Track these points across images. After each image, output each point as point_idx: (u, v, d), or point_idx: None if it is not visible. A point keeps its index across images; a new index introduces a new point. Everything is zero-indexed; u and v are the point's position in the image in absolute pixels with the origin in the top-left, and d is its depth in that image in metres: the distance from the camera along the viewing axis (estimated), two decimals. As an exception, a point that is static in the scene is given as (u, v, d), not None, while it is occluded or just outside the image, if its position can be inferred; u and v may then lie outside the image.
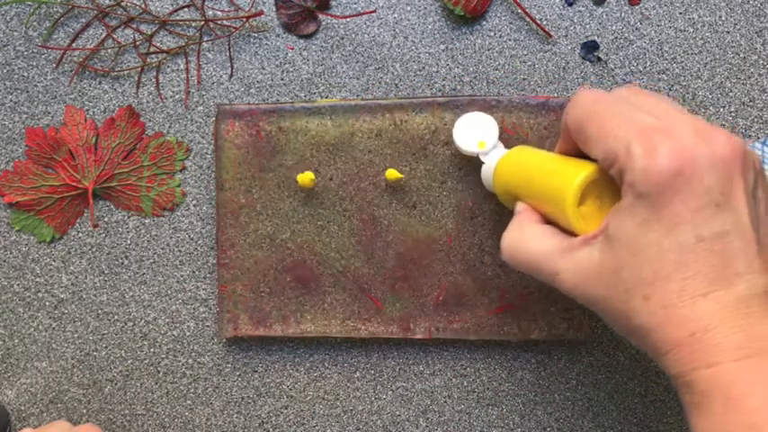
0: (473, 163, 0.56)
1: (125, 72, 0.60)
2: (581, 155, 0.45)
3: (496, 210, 0.56)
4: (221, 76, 0.59)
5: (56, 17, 0.60)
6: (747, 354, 0.37)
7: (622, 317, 0.40)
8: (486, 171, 0.53)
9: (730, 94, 0.58)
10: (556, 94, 0.58)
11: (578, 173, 0.43)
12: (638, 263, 0.39)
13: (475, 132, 0.54)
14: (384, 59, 0.59)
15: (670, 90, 0.58)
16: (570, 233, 0.44)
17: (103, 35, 0.59)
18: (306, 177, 0.56)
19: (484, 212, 0.57)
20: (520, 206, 0.48)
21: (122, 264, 0.60)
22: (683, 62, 0.58)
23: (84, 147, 0.59)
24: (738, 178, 0.39)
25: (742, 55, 0.58)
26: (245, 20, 0.59)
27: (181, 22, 0.59)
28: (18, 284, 0.60)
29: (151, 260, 0.59)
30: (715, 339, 0.37)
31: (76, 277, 0.60)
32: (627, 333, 0.41)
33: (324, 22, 0.59)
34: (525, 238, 0.45)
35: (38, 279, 0.60)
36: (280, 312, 0.58)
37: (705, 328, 0.38)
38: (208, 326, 0.59)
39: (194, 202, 0.59)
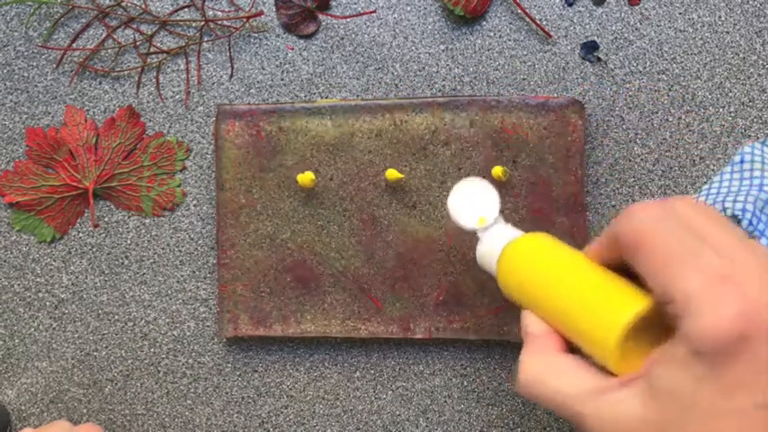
0: (472, 163, 0.56)
1: (125, 72, 0.60)
2: (620, 265, 0.40)
3: (496, 210, 0.57)
4: (221, 77, 0.59)
5: (56, 17, 0.60)
6: None
7: None
8: (487, 253, 0.46)
9: (730, 94, 0.58)
10: (556, 94, 0.58)
11: (625, 309, 0.37)
12: (688, 422, 0.36)
13: (473, 205, 0.47)
14: (384, 59, 0.59)
15: (670, 90, 0.58)
16: (600, 365, 0.39)
17: (104, 35, 0.60)
18: (306, 177, 0.56)
19: (484, 212, 0.57)
20: (537, 326, 0.42)
21: (123, 264, 0.60)
22: (682, 62, 0.58)
23: (84, 147, 0.59)
24: None
25: (742, 55, 0.58)
26: (245, 20, 0.59)
27: (181, 23, 0.59)
28: (18, 284, 0.60)
29: (151, 260, 0.59)
30: None
31: (77, 277, 0.60)
32: None
33: (324, 23, 0.59)
34: (549, 374, 0.40)
35: (38, 279, 0.60)
36: (280, 312, 0.58)
37: None
38: (208, 326, 0.59)
39: (194, 202, 0.59)
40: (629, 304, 0.37)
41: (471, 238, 0.57)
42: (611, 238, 0.40)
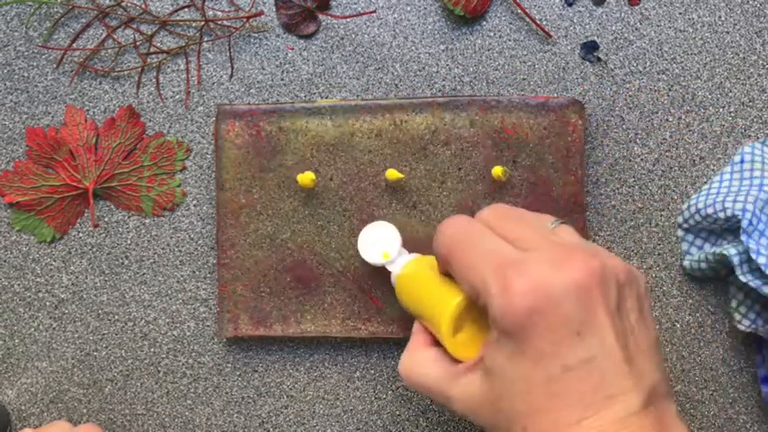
0: (472, 163, 0.56)
1: (125, 72, 0.60)
2: None
3: (496, 210, 0.57)
4: (221, 77, 0.59)
5: (56, 17, 0.60)
6: None
7: None
8: (393, 279, 0.54)
9: (730, 94, 0.58)
10: (556, 94, 0.58)
11: (449, 304, 0.44)
12: (512, 396, 0.40)
13: (378, 244, 0.54)
14: (384, 59, 0.59)
15: (670, 90, 0.58)
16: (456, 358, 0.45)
17: (104, 35, 0.60)
18: (306, 177, 0.56)
19: (484, 212, 0.57)
20: (415, 327, 0.49)
21: (122, 264, 0.60)
22: (682, 62, 0.58)
23: (84, 147, 0.59)
24: (598, 300, 0.39)
25: (742, 55, 0.58)
26: (245, 20, 0.59)
27: (181, 23, 0.59)
28: (18, 284, 0.60)
29: (151, 260, 0.59)
30: None
31: (77, 277, 0.60)
32: None
33: (324, 23, 0.59)
34: (417, 363, 0.47)
35: (38, 279, 0.60)
36: (280, 312, 0.58)
37: None
38: (208, 326, 0.59)
39: (194, 202, 0.59)
40: (450, 300, 0.44)
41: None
42: (435, 253, 0.46)
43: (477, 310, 0.44)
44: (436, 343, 0.47)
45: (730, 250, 0.54)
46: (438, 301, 0.46)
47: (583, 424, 0.38)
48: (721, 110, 0.58)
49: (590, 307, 0.39)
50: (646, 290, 0.43)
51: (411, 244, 0.57)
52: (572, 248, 0.41)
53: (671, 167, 0.58)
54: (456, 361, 0.45)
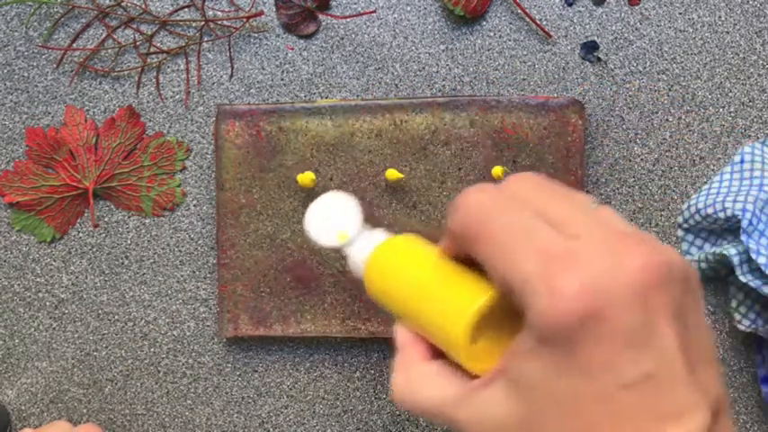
0: (472, 163, 0.56)
1: (125, 72, 0.60)
2: (472, 260, 0.36)
3: (496, 210, 0.56)
4: (221, 77, 0.59)
5: (56, 17, 0.60)
6: None
7: None
8: (354, 266, 0.43)
9: (730, 94, 0.58)
10: (556, 94, 0.58)
11: (469, 303, 0.35)
12: (555, 416, 0.33)
13: (331, 220, 0.43)
14: (384, 59, 0.59)
15: (670, 90, 0.58)
16: (464, 369, 0.37)
17: (104, 35, 0.60)
18: (306, 177, 0.56)
19: (484, 212, 0.57)
20: (403, 336, 0.40)
21: (122, 264, 0.60)
22: (683, 62, 0.58)
23: (84, 147, 0.59)
24: (661, 304, 0.33)
25: (742, 55, 0.58)
26: (245, 20, 0.59)
27: (181, 23, 0.59)
28: (18, 284, 0.60)
29: (151, 260, 0.59)
30: None
31: (77, 277, 0.60)
32: None
33: (324, 23, 0.59)
34: (414, 384, 0.38)
35: (38, 279, 0.60)
36: (280, 312, 0.58)
37: None
38: (208, 326, 0.59)
39: (194, 202, 0.59)
40: (470, 298, 0.35)
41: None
42: (449, 232, 0.37)
43: (499, 311, 0.35)
44: (435, 353, 0.39)
45: (730, 250, 0.54)
46: (446, 300, 0.36)
47: None
48: (721, 110, 0.58)
49: (652, 312, 0.33)
50: (701, 293, 0.36)
51: (411, 244, 0.56)
52: (629, 236, 0.33)
53: (671, 167, 0.58)
54: (464, 372, 0.37)
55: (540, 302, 0.32)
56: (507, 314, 0.35)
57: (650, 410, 0.32)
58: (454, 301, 0.35)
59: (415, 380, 0.38)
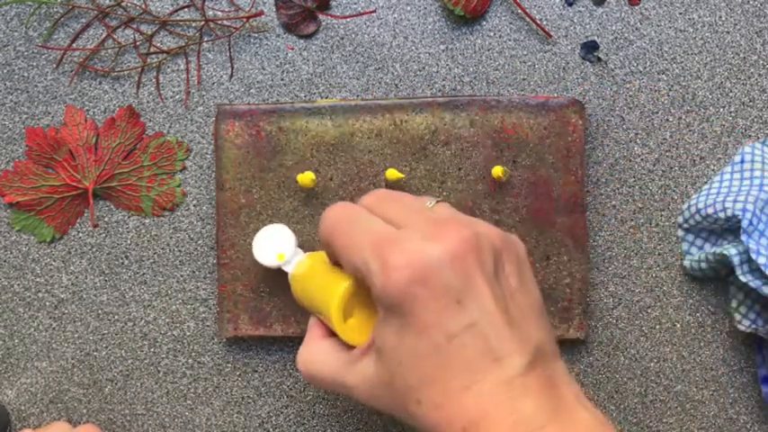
0: (472, 163, 0.56)
1: (125, 72, 0.60)
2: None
3: (496, 209, 0.56)
4: (221, 77, 0.59)
5: (56, 17, 0.60)
6: None
7: (411, 421, 0.41)
8: (290, 280, 0.53)
9: (730, 94, 0.58)
10: (556, 94, 0.58)
11: (337, 289, 0.44)
12: (403, 371, 0.40)
13: (273, 246, 0.54)
14: (384, 59, 0.59)
15: (670, 90, 0.58)
16: (352, 345, 0.45)
17: (104, 35, 0.60)
18: (306, 177, 0.56)
19: (483, 212, 0.57)
20: (311, 321, 0.49)
21: (122, 264, 0.60)
22: (683, 62, 0.58)
23: (84, 147, 0.59)
24: (474, 267, 0.40)
25: (742, 55, 0.58)
26: (245, 20, 0.59)
27: (181, 23, 0.59)
28: (18, 284, 0.60)
29: (151, 260, 0.59)
30: (485, 431, 0.38)
31: (77, 277, 0.60)
32: None
33: (324, 22, 0.59)
34: (313, 356, 0.47)
35: (38, 279, 0.60)
36: (280, 312, 0.58)
37: (474, 421, 0.39)
38: (208, 326, 0.59)
39: (194, 202, 0.59)
40: (337, 288, 0.45)
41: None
42: (320, 240, 0.46)
43: (366, 294, 0.43)
44: (331, 334, 0.47)
45: (730, 250, 0.53)
46: (328, 290, 0.46)
47: (472, 389, 0.39)
48: (721, 110, 0.58)
49: (467, 274, 0.40)
50: (524, 255, 0.44)
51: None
52: (445, 221, 0.42)
53: (671, 167, 0.58)
54: (351, 349, 0.45)
55: (378, 278, 0.40)
56: (371, 298, 0.43)
57: (474, 357, 0.39)
58: (329, 290, 0.45)
59: (313, 352, 0.47)
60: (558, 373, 0.41)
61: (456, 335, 0.39)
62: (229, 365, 0.59)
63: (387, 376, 0.41)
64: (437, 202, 0.45)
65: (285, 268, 0.53)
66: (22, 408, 0.60)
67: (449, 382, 0.39)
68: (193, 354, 0.60)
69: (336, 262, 0.46)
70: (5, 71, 0.60)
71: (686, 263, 0.57)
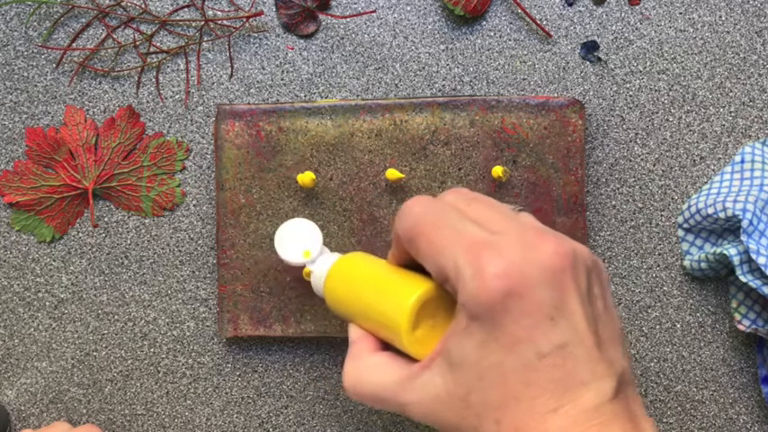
0: (472, 163, 0.56)
1: (125, 72, 0.60)
2: (416, 263, 0.42)
3: (496, 210, 0.56)
4: (221, 76, 0.59)
5: (56, 17, 0.60)
6: None
7: None
8: (317, 281, 0.50)
9: (730, 94, 0.58)
10: (556, 94, 0.58)
11: (410, 294, 0.40)
12: (484, 386, 0.38)
13: (298, 242, 0.51)
14: (384, 59, 0.59)
15: (670, 90, 0.58)
16: (411, 357, 0.41)
17: (103, 35, 0.60)
18: (306, 177, 0.56)
19: (484, 212, 0.57)
20: (354, 333, 0.45)
21: (122, 264, 0.60)
22: (683, 62, 0.58)
23: (84, 147, 0.59)
24: (570, 285, 0.38)
25: (742, 55, 0.58)
26: (245, 20, 0.59)
27: (181, 22, 0.59)
28: (18, 284, 0.60)
29: (151, 260, 0.59)
30: None
31: (76, 277, 0.60)
32: None
33: (324, 22, 0.59)
34: (364, 373, 0.43)
35: (38, 279, 0.60)
36: (280, 312, 0.58)
37: None
38: (208, 326, 0.59)
39: (194, 202, 0.59)
40: (412, 290, 0.40)
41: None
42: (395, 239, 0.43)
43: (436, 302, 0.41)
44: (382, 345, 0.44)
45: (730, 250, 0.53)
46: (390, 297, 0.41)
47: (559, 412, 0.37)
48: (721, 110, 0.58)
49: (562, 291, 0.38)
50: (608, 279, 0.42)
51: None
52: (542, 231, 0.40)
53: (671, 167, 0.58)
54: (407, 360, 0.42)
55: (470, 283, 0.37)
56: (446, 308, 0.41)
57: (563, 378, 0.37)
58: (398, 295, 0.41)
59: (364, 368, 0.43)
60: (637, 404, 0.40)
61: (547, 354, 0.37)
62: (229, 365, 0.59)
63: (461, 392, 0.39)
64: (519, 210, 0.43)
65: (311, 267, 0.50)
66: (22, 408, 0.60)
67: (534, 403, 0.37)
68: (193, 354, 0.60)
69: (404, 262, 0.43)
70: (5, 71, 0.60)
71: (686, 263, 0.57)
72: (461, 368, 0.38)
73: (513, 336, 0.37)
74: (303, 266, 0.51)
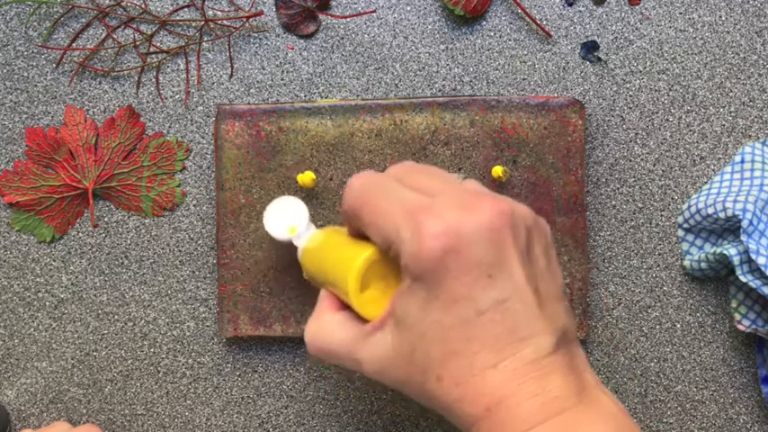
0: (472, 163, 0.56)
1: (125, 72, 0.60)
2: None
3: (496, 210, 0.56)
4: (221, 76, 0.59)
5: (56, 17, 0.60)
6: (543, 418, 0.37)
7: (425, 398, 0.40)
8: (299, 255, 0.52)
9: (730, 94, 0.58)
10: (556, 94, 0.58)
11: (356, 258, 0.43)
12: (427, 344, 0.39)
13: (285, 218, 0.53)
14: (384, 59, 0.59)
15: (670, 90, 0.58)
16: (364, 319, 0.43)
17: (103, 35, 0.60)
18: (306, 177, 0.56)
19: (484, 212, 0.57)
20: (321, 294, 0.47)
21: (122, 264, 0.60)
22: (683, 62, 0.58)
23: (84, 147, 0.59)
24: (509, 243, 0.39)
25: (742, 55, 0.58)
26: (245, 20, 0.59)
27: (181, 22, 0.59)
28: (18, 284, 0.60)
29: (151, 260, 0.59)
30: (510, 410, 0.37)
31: (76, 277, 0.60)
32: (438, 411, 0.41)
33: (324, 22, 0.59)
34: (323, 329, 0.45)
35: (38, 279, 0.60)
36: (280, 312, 0.58)
37: (499, 400, 0.38)
38: (208, 326, 0.59)
39: (194, 202, 0.59)
40: (358, 255, 0.43)
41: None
42: (343, 214, 0.45)
43: (385, 267, 0.43)
44: (344, 307, 0.46)
45: (730, 250, 0.54)
46: (345, 261, 0.44)
47: (498, 367, 0.38)
48: (721, 110, 0.58)
49: (501, 249, 0.39)
50: (551, 237, 0.43)
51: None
52: (480, 193, 0.40)
53: (671, 167, 0.58)
54: (364, 321, 0.43)
55: (409, 245, 0.39)
56: (390, 271, 0.42)
57: (502, 334, 0.38)
58: (347, 261, 0.43)
59: (324, 325, 0.45)
60: (580, 358, 0.41)
61: (486, 310, 0.38)
62: (229, 365, 0.59)
63: (406, 349, 0.40)
64: (463, 178, 0.44)
65: (296, 242, 0.52)
66: (22, 408, 0.60)
67: (474, 358, 0.38)
68: (193, 354, 0.60)
69: (357, 233, 0.45)
70: (5, 71, 0.60)
71: (686, 263, 0.57)
72: (406, 327, 0.40)
73: (452, 293, 0.38)
74: (290, 242, 0.52)
